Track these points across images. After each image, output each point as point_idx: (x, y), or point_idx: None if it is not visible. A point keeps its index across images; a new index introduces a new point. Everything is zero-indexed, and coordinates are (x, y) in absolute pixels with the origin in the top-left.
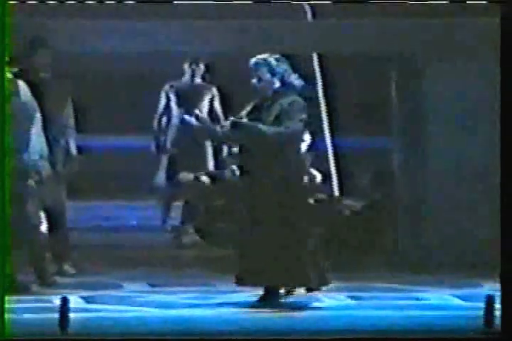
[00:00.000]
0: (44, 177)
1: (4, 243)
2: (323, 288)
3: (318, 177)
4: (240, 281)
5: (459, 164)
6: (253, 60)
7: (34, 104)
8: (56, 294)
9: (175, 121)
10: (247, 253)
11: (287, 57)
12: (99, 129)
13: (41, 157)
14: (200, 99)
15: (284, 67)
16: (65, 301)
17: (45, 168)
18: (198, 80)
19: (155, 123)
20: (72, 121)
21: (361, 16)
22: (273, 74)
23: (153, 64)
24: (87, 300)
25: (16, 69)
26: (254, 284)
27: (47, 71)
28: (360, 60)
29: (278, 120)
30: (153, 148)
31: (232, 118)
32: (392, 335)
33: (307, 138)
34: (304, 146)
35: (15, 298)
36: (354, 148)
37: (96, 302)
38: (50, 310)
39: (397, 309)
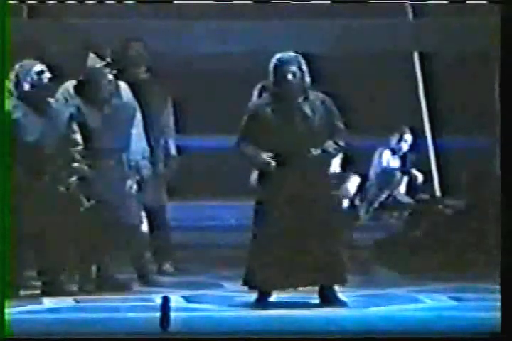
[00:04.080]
0: (145, 178)
1: (4, 244)
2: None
3: (420, 177)
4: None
5: None
6: (287, 56)
7: (135, 104)
8: (157, 293)
9: None
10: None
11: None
12: (198, 129)
13: (143, 157)
14: None
15: (305, 65)
16: (166, 300)
17: (146, 168)
18: None
19: None
20: (171, 122)
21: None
22: (302, 71)
23: (250, 63)
24: (188, 299)
25: (115, 71)
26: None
27: (145, 71)
28: (462, 59)
29: (325, 120)
30: None
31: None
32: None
33: (408, 138)
34: (405, 147)
35: (117, 296)
36: (456, 149)
37: (197, 302)
38: (152, 309)
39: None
